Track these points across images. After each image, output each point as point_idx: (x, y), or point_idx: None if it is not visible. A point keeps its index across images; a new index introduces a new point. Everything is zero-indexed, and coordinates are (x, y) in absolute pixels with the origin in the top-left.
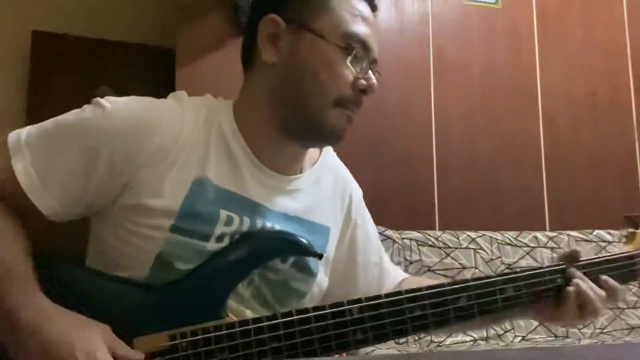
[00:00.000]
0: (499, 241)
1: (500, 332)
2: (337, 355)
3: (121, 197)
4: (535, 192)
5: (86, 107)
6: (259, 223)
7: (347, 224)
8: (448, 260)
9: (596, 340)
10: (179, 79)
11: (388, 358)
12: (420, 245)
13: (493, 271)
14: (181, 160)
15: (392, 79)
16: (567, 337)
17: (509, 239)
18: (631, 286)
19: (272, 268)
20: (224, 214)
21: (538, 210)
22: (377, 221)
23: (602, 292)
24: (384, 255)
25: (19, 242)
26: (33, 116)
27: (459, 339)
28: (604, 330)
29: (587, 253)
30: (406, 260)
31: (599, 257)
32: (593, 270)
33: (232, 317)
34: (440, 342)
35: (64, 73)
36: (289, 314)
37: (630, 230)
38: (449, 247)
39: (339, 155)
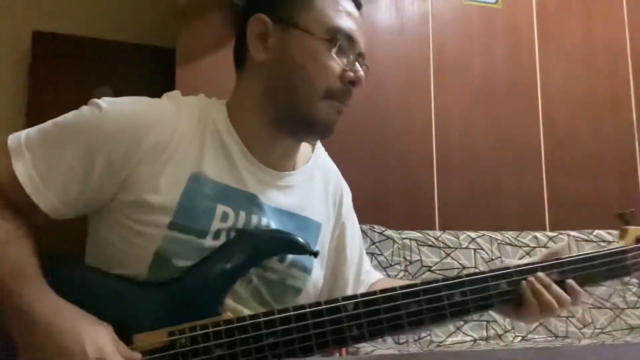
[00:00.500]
0: (499, 241)
1: (500, 332)
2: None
3: (119, 194)
4: (535, 192)
5: (83, 107)
6: (254, 218)
7: (337, 222)
8: (448, 260)
9: (596, 340)
10: (179, 79)
11: (388, 358)
12: (420, 245)
13: None
14: (177, 156)
15: (392, 79)
16: (567, 337)
17: (509, 239)
18: (631, 286)
19: (270, 267)
20: (219, 209)
21: (538, 210)
22: (377, 221)
23: (564, 295)
24: (365, 256)
25: (25, 241)
26: (33, 116)
27: (458, 339)
28: (604, 330)
29: None
30: (406, 260)
31: (592, 253)
32: (572, 269)
33: (229, 314)
34: (440, 342)
35: (64, 73)
36: (286, 310)
37: (623, 227)
38: (449, 247)
39: (339, 155)
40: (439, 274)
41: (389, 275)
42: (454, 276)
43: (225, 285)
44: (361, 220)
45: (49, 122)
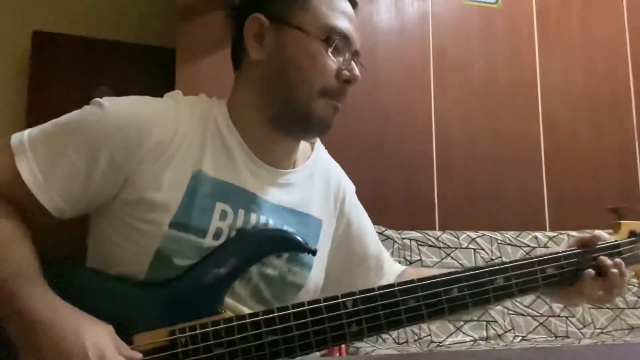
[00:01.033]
0: (499, 241)
1: (500, 332)
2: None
3: (121, 192)
4: (535, 192)
5: (86, 107)
6: (253, 216)
7: (341, 219)
8: (448, 260)
9: (596, 340)
10: (179, 79)
11: (388, 358)
12: (420, 245)
13: None
14: (179, 155)
15: (392, 79)
16: (567, 337)
17: (509, 239)
18: (631, 286)
19: (269, 264)
20: (218, 207)
21: (538, 210)
22: (377, 221)
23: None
24: (383, 249)
25: (26, 241)
26: (33, 116)
27: (459, 339)
28: (604, 330)
29: None
30: (406, 260)
31: (585, 248)
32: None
33: (229, 313)
34: (440, 342)
35: (64, 73)
36: (285, 308)
37: (616, 221)
38: (449, 247)
39: (339, 155)
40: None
41: None
42: (452, 271)
43: (224, 285)
44: None
45: (52, 122)
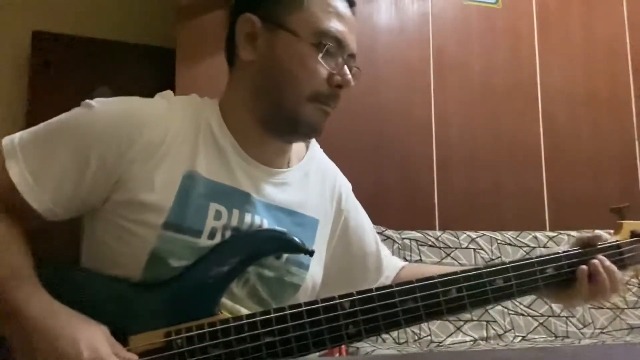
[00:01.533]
0: (499, 241)
1: (500, 332)
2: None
3: (114, 194)
4: (535, 192)
5: (75, 109)
6: (248, 216)
7: (338, 218)
8: (448, 260)
9: (596, 340)
10: (179, 79)
11: (388, 358)
12: (420, 245)
13: None
14: (170, 155)
15: (392, 79)
16: (567, 337)
17: (509, 239)
18: (631, 286)
19: (267, 265)
20: (213, 207)
21: (538, 210)
22: (377, 221)
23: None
24: (381, 245)
25: (19, 243)
26: (33, 116)
27: (459, 339)
28: (604, 330)
29: None
30: (406, 260)
31: (585, 249)
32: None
33: (226, 314)
34: (440, 342)
35: (64, 73)
36: (282, 309)
37: (617, 221)
38: (449, 247)
39: (339, 155)
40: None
41: None
42: (451, 272)
43: (221, 286)
44: None
45: (43, 124)
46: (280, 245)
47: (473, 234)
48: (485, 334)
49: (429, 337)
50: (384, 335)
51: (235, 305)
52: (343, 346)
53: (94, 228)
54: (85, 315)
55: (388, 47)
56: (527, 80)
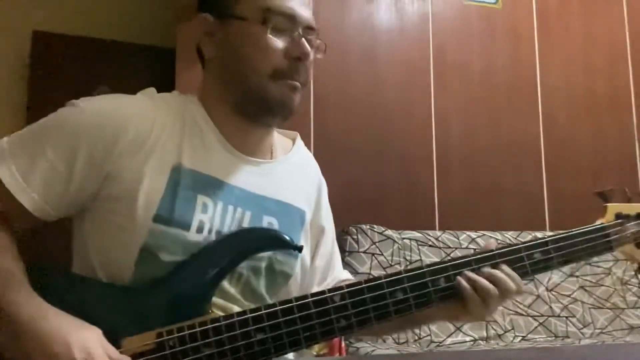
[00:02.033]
0: (499, 241)
1: (500, 332)
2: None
3: (104, 189)
4: (535, 192)
5: (61, 108)
6: (231, 207)
7: (317, 213)
8: None
9: (596, 340)
10: (179, 79)
11: (388, 358)
12: (420, 245)
13: None
14: (157, 149)
15: (392, 79)
16: (567, 337)
17: (509, 239)
18: (631, 286)
19: (257, 257)
20: (200, 200)
21: (538, 210)
22: (377, 221)
23: (503, 277)
24: (337, 251)
25: (11, 249)
26: (33, 116)
27: (459, 339)
28: (604, 330)
29: None
30: (406, 260)
31: (572, 231)
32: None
33: (217, 313)
34: (440, 342)
35: (64, 73)
36: (273, 305)
37: (603, 204)
38: (449, 247)
39: (339, 155)
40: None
41: None
42: (438, 261)
43: (211, 285)
44: (361, 220)
45: (30, 125)
46: (269, 242)
47: (473, 234)
48: (485, 334)
49: (429, 337)
50: (384, 335)
51: (228, 303)
52: (343, 345)
53: (85, 228)
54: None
55: (388, 47)
56: (527, 80)
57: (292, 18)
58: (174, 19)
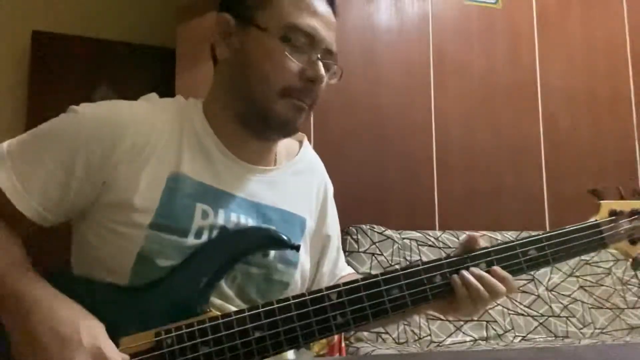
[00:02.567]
0: (499, 241)
1: (500, 332)
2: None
3: (101, 196)
4: (535, 192)
5: (61, 115)
6: (234, 216)
7: (322, 217)
8: None
9: (596, 340)
10: (179, 79)
11: (388, 358)
12: (420, 245)
13: None
14: (155, 156)
15: (392, 79)
16: (567, 337)
17: (509, 239)
18: (631, 286)
19: (254, 263)
20: (199, 207)
21: (538, 210)
22: (377, 221)
23: (498, 285)
24: (341, 251)
25: (18, 245)
26: (33, 116)
27: (459, 339)
28: (604, 330)
29: None
30: (406, 260)
31: (566, 228)
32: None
33: (215, 312)
34: (440, 342)
35: (64, 73)
36: (270, 303)
37: (597, 201)
38: (449, 247)
39: (339, 155)
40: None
41: None
42: (434, 259)
43: (209, 284)
44: (361, 220)
45: (30, 131)
46: (266, 241)
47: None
48: (485, 334)
49: (429, 337)
50: (384, 335)
51: (225, 303)
52: (343, 346)
53: (83, 232)
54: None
55: (388, 47)
56: (527, 80)
57: (313, 39)
58: (174, 19)
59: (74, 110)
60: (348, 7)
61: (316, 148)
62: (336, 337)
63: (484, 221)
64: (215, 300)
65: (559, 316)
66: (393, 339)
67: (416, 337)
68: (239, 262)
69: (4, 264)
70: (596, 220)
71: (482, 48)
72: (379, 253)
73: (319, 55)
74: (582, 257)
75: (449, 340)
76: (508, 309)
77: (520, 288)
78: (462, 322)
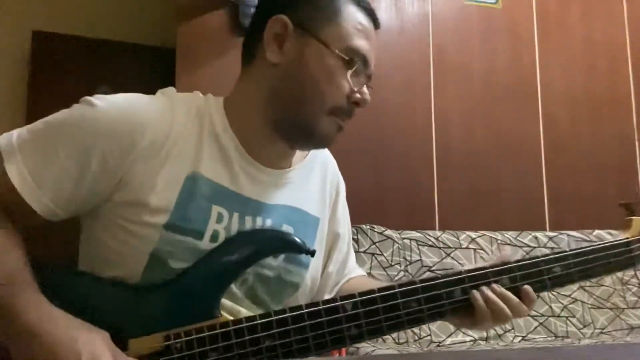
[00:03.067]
0: (499, 241)
1: (500, 332)
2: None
3: (115, 194)
4: (535, 192)
5: (76, 105)
6: (249, 219)
7: (334, 215)
8: (448, 260)
9: (596, 340)
10: (179, 79)
11: (388, 358)
12: (420, 245)
13: None
14: (173, 155)
15: (392, 79)
16: (567, 337)
17: (509, 239)
18: (631, 286)
19: (266, 265)
20: (215, 210)
21: (538, 210)
22: (377, 221)
23: (521, 305)
24: (352, 251)
25: (18, 249)
26: (33, 116)
27: (459, 339)
28: (604, 330)
29: None
30: (406, 260)
31: (595, 245)
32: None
33: (226, 316)
34: (440, 342)
35: (64, 73)
36: (282, 312)
37: (627, 217)
38: (449, 247)
39: (339, 155)
40: (439, 274)
41: (388, 275)
42: (456, 271)
43: (221, 287)
44: (361, 220)
45: (41, 121)
46: (281, 245)
47: (473, 234)
48: (485, 334)
49: (429, 337)
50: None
51: (235, 305)
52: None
53: (94, 228)
54: (84, 318)
55: (388, 47)
56: (527, 81)
57: (366, 64)
58: (174, 19)
59: (89, 103)
60: None
61: None
62: None
63: (484, 221)
64: (225, 301)
65: (559, 316)
66: (393, 339)
67: (416, 337)
68: (251, 266)
69: (2, 271)
70: (627, 238)
71: (482, 48)
72: (379, 253)
73: (366, 80)
74: None
75: (449, 340)
76: None
77: None
78: None
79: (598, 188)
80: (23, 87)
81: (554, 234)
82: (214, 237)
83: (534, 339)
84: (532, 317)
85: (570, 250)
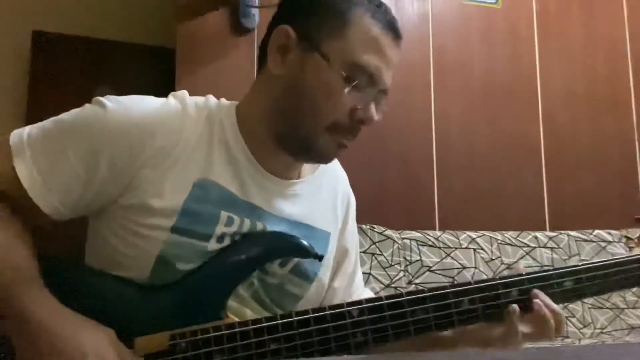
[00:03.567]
0: (499, 241)
1: None
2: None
3: (122, 197)
4: (535, 192)
5: (87, 106)
6: (259, 225)
7: (343, 230)
8: (448, 260)
9: (596, 340)
10: (179, 79)
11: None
12: (420, 245)
13: (493, 271)
14: (182, 160)
15: (392, 78)
16: (567, 337)
17: (509, 239)
18: None
19: (270, 272)
20: (224, 214)
21: (538, 210)
22: (377, 221)
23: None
24: (359, 268)
25: (25, 244)
26: (33, 116)
27: None
28: (604, 330)
29: (587, 253)
30: (406, 260)
31: (609, 260)
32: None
33: (232, 318)
34: None
35: (64, 73)
36: (289, 315)
37: None
38: (449, 247)
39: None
40: (439, 274)
41: (388, 275)
42: (463, 282)
43: (228, 288)
44: (361, 220)
45: (52, 120)
46: (289, 248)
47: (473, 234)
48: None
49: None
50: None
51: (241, 306)
52: None
53: (101, 230)
54: (91, 314)
55: None
56: (527, 80)
57: (374, 80)
58: (174, 19)
59: (101, 104)
60: None
61: None
62: None
63: (484, 221)
64: (231, 303)
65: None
66: None
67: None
68: (259, 268)
69: (7, 277)
70: None
71: (482, 48)
72: (379, 253)
73: (373, 98)
74: (583, 257)
75: None
76: None
77: None
78: None
79: (598, 188)
80: (23, 87)
81: (554, 234)
82: (221, 238)
83: None
84: None
85: (583, 264)
